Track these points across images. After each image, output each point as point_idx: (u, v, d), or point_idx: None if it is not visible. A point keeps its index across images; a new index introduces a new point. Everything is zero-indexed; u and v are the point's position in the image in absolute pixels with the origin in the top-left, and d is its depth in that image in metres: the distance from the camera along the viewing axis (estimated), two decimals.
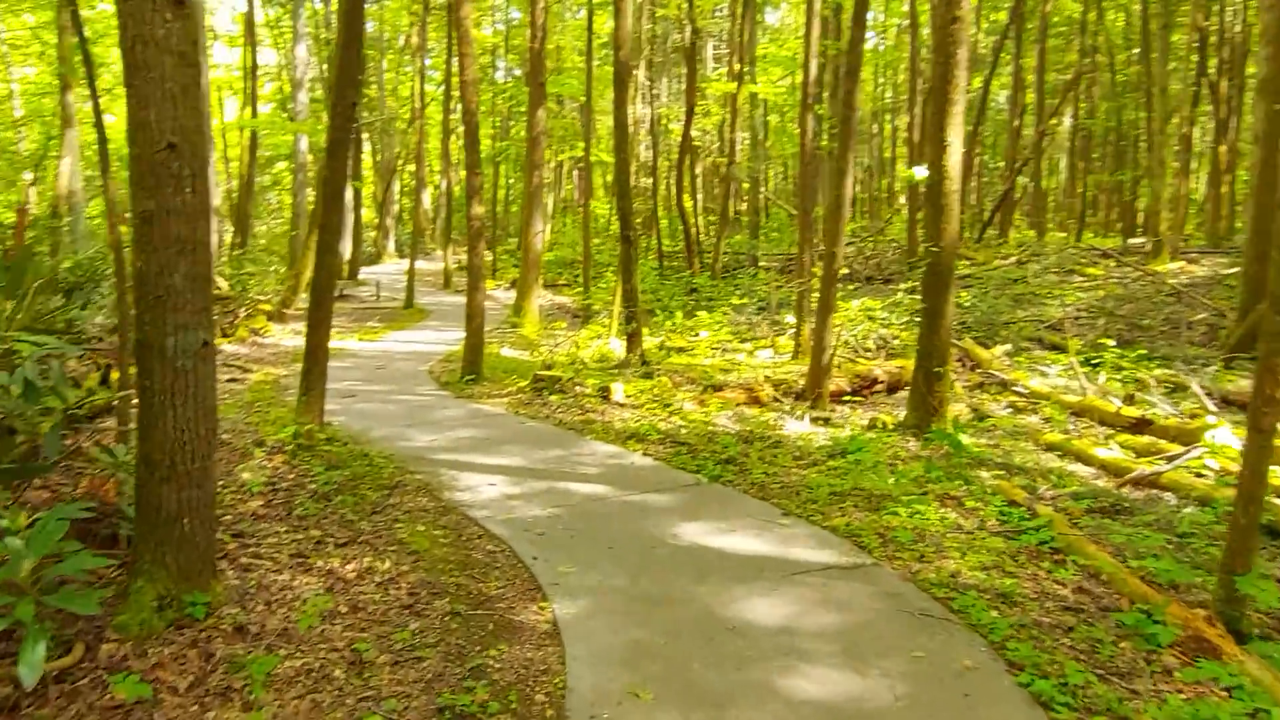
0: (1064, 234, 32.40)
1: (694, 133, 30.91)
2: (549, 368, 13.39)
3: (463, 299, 27.57)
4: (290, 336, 17.17)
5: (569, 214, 44.53)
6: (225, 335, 15.38)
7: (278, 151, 32.80)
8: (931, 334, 9.35)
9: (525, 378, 12.79)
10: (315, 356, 7.88)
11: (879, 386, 13.06)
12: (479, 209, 11.48)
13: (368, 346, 16.40)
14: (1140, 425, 10.07)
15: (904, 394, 13.32)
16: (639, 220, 41.72)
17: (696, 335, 18.01)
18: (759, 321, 20.05)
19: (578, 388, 10.98)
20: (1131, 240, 28.24)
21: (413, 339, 17.66)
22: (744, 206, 36.99)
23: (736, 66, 27.31)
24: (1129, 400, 11.19)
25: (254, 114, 23.00)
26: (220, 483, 7.14)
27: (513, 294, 27.10)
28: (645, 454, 8.45)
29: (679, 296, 21.92)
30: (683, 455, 8.32)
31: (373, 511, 6.55)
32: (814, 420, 10.78)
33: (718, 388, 11.88)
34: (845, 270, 20.63)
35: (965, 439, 8.64)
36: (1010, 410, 11.90)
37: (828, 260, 11.26)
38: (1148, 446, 9.34)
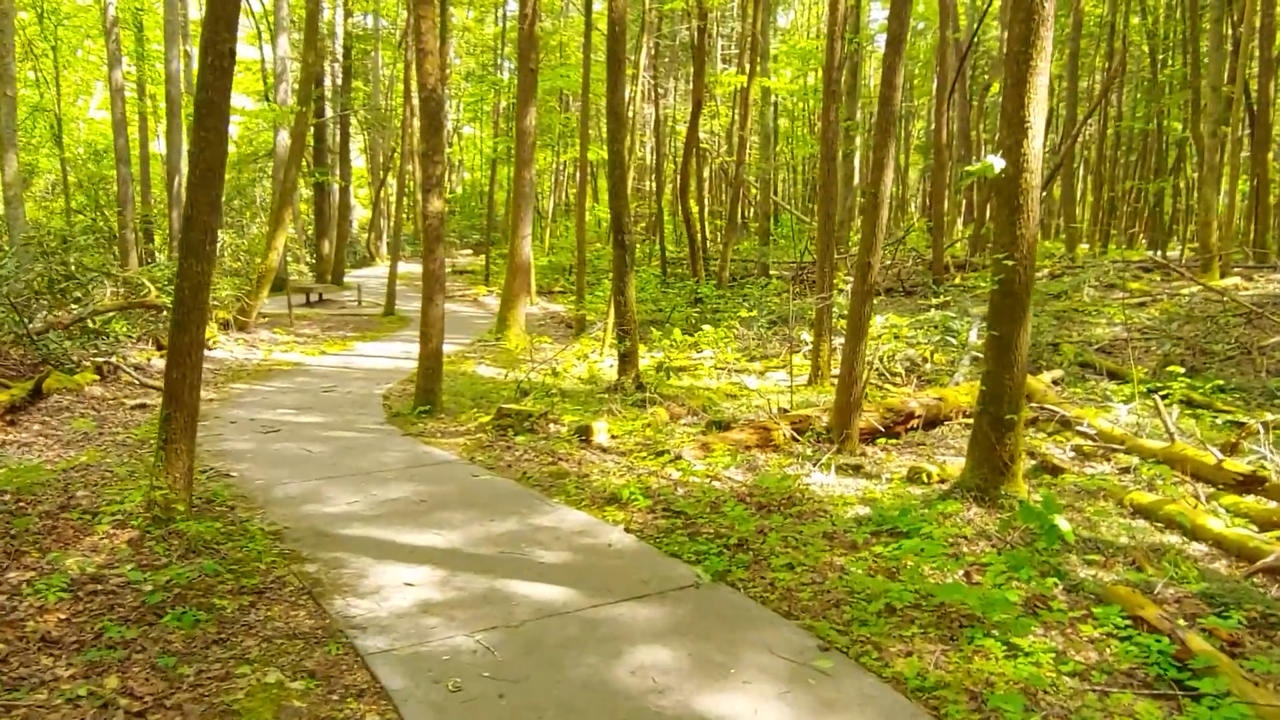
0: (1084, 246, 30.15)
1: (701, 135, 28.74)
2: (524, 394, 11.17)
3: (451, 306, 25.43)
4: (243, 348, 14.99)
5: (571, 217, 42.37)
6: (161, 346, 13.20)
7: (258, 147, 30.69)
8: (1002, 370, 7.11)
9: (494, 405, 10.57)
10: (178, 398, 5.68)
11: (914, 422, 10.81)
12: (438, 204, 9.29)
13: (327, 362, 14.22)
14: (1250, 483, 7.84)
15: (942, 431, 11.15)
16: (641, 225, 39.55)
17: (700, 353, 15.79)
18: (769, 337, 17.82)
19: (552, 425, 8.77)
20: (1164, 254, 26.01)
21: (383, 352, 15.47)
22: (751, 211, 34.79)
23: (747, 63, 25.13)
24: (1231, 449, 8.94)
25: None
26: (29, 575, 4.96)
27: None
28: (628, 528, 6.23)
29: (682, 308, 19.72)
30: (678, 533, 6.08)
31: (215, 640, 4.34)
32: (843, 469, 8.58)
33: (724, 426, 9.65)
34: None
35: (1034, 501, 6.41)
36: (1075, 455, 9.70)
37: (861, 272, 9.05)
38: (1267, 515, 7.12)
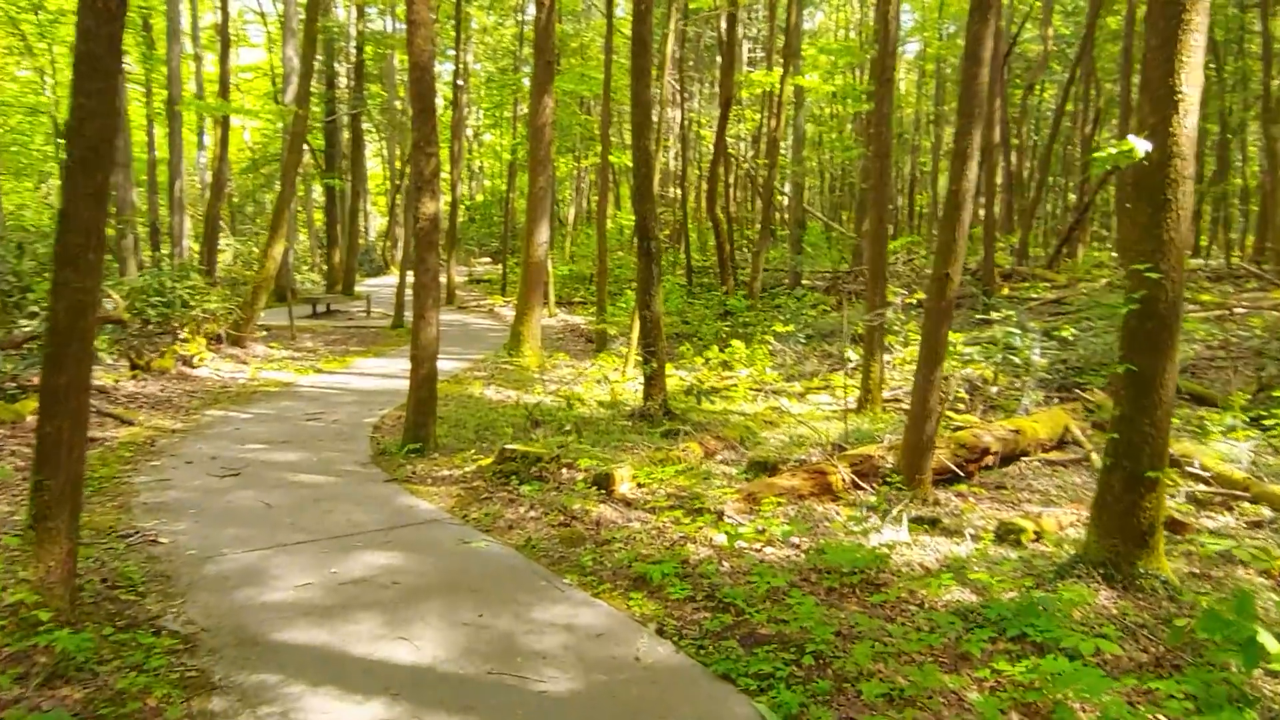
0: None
1: (727, 138, 27.12)
2: (535, 424, 9.58)
3: (464, 318, 23.97)
4: (231, 365, 13.51)
5: (592, 225, 40.86)
6: (135, 365, 11.73)
7: (271, 151, 29.38)
8: (1140, 414, 5.42)
9: (499, 438, 8.99)
10: (51, 460, 4.15)
11: (989, 459, 9.14)
12: (431, 205, 7.73)
13: (320, 382, 12.69)
14: None
15: (1019, 468, 9.48)
16: (665, 233, 37.91)
17: (733, 372, 14.16)
18: (807, 354, 16.15)
19: (565, 471, 7.16)
20: (1229, 262, 24.04)
21: (384, 369, 13.95)
22: (778, 218, 33.13)
23: (779, 61, 23.50)
24: None
25: (225, 94, 19.45)
26: None
27: None
28: (662, 628, 4.62)
29: (710, 321, 18.08)
30: (729, 639, 4.46)
31: None
32: (917, 523, 6.94)
33: (770, 468, 8.01)
34: (918, 297, 16.68)
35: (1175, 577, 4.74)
36: (1188, 499, 8.04)
37: (938, 286, 7.40)
38: None
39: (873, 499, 7.52)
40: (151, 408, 10.22)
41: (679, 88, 33.29)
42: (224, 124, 18.99)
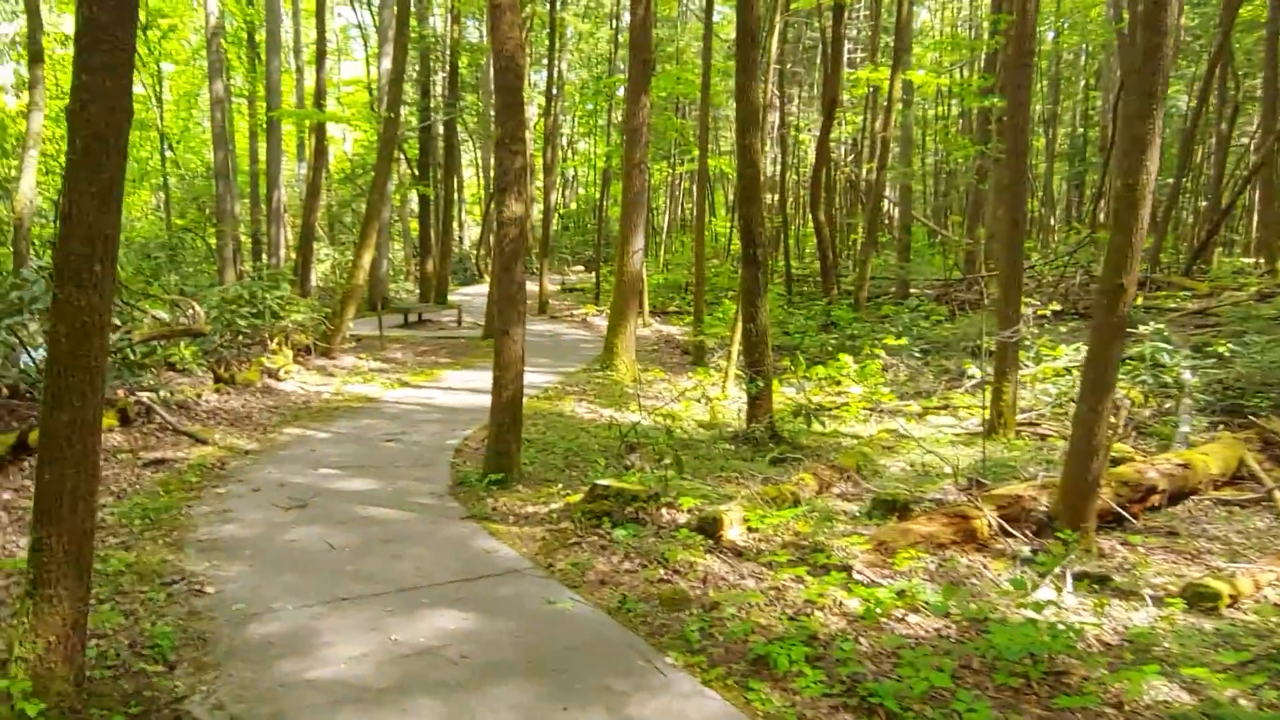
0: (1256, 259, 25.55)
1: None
2: (630, 450, 8.65)
3: (556, 327, 23.28)
4: (317, 378, 13.04)
5: (686, 232, 39.93)
6: (219, 379, 11.31)
7: (369, 161, 29.40)
8: None
9: (590, 466, 8.09)
10: (51, 514, 3.40)
11: (1155, 498, 7.78)
12: (516, 208, 6.89)
13: (405, 396, 12.07)
14: None
15: (1189, 507, 8.11)
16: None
17: (842, 389, 12.97)
18: (922, 370, 14.81)
19: (665, 511, 6.20)
20: None
21: (472, 383, 13.25)
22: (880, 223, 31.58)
23: (879, 57, 22.14)
24: None
25: (321, 104, 19.24)
26: None
27: None
28: None
29: (814, 333, 16.89)
30: None
31: None
32: (1082, 581, 5.75)
33: (900, 509, 6.88)
34: (1055, 307, 15.14)
35: None
36: None
37: (1109, 298, 6.16)
38: None
39: (1026, 550, 6.33)
40: (230, 424, 9.71)
41: (778, 90, 32.12)
42: (319, 133, 18.77)
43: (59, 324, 3.35)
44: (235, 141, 28.92)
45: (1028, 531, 6.65)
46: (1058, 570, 5.86)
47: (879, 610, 4.82)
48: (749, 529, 6.01)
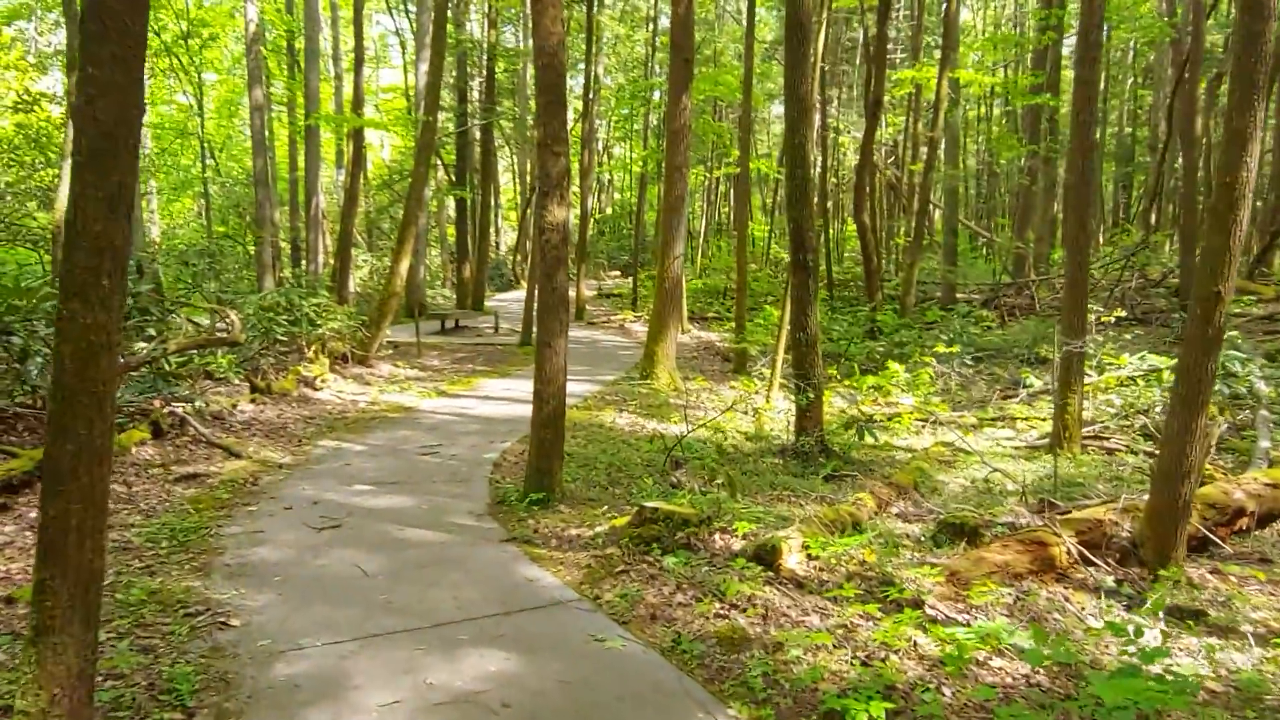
0: None
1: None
2: (676, 466, 8.24)
3: (594, 334, 22.89)
4: (354, 387, 12.79)
5: (723, 237, 39.44)
6: (255, 388, 11.08)
7: (407, 168, 29.30)
8: None
9: (634, 482, 7.69)
10: (58, 554, 3.08)
11: (1243, 522, 7.21)
12: (559, 212, 6.51)
13: (442, 406, 11.76)
14: None
15: (1275, 533, 7.54)
16: None
17: (889, 398, 12.44)
18: (974, 379, 14.22)
19: (718, 536, 5.77)
20: None
21: (510, 392, 12.95)
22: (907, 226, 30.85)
23: (925, 59, 21.54)
24: None
25: (358, 110, 19.09)
26: None
27: None
28: None
29: (859, 340, 16.35)
30: None
31: None
32: (1175, 616, 5.26)
33: (969, 533, 6.39)
34: (1119, 314, 14.48)
35: None
36: None
37: (1206, 306, 5.62)
38: None
39: (1110, 580, 5.81)
40: (265, 436, 9.44)
41: (819, 92, 31.54)
42: (356, 139, 18.61)
43: (63, 344, 3.01)
44: (275, 149, 29.01)
45: (1110, 560, 6.13)
46: (1150, 605, 5.35)
47: (955, 648, 4.35)
48: (809, 557, 5.56)
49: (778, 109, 42.34)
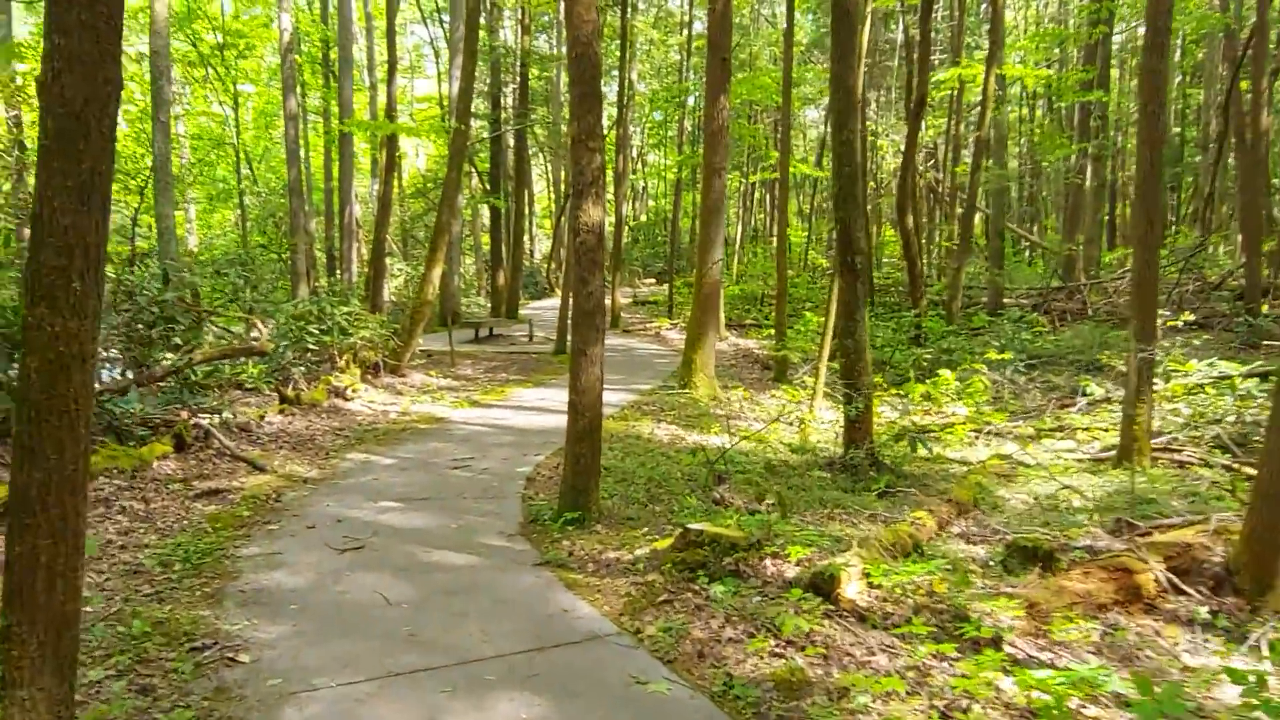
0: None
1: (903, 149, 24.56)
2: (719, 481, 7.75)
3: (629, 342, 22.42)
4: (386, 396, 12.46)
5: (759, 243, 38.85)
6: (285, 399, 10.77)
7: (441, 175, 29.13)
8: None
9: (674, 499, 7.22)
10: (27, 597, 2.67)
11: None
12: (594, 213, 6.07)
13: (474, 417, 11.37)
14: None
15: None
16: None
17: (938, 407, 11.83)
18: (1027, 387, 13.56)
19: (768, 564, 5.26)
20: None
21: (544, 402, 12.54)
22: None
23: (965, 58, 20.87)
24: None
25: (392, 117, 18.88)
26: None
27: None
28: None
29: (904, 346, 15.73)
30: None
31: None
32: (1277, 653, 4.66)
33: (1043, 557, 5.83)
34: (1187, 318, 13.75)
35: None
36: None
37: None
38: None
39: (1204, 612, 5.22)
40: (292, 448, 9.10)
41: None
42: (389, 146, 18.39)
43: (29, 355, 2.61)
44: (311, 159, 29.02)
45: (1202, 588, 5.53)
46: (1255, 639, 4.78)
47: (1043, 692, 3.81)
48: (870, 585, 5.04)
49: (812, 113, 41.71)
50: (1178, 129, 35.54)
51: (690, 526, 5.33)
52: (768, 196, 41.45)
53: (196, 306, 13.70)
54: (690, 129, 34.59)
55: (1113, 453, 9.60)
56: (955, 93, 24.34)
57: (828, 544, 5.60)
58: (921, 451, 9.21)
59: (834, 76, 8.78)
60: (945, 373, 12.77)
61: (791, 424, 10.77)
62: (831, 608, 4.75)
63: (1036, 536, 6.04)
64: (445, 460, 8.73)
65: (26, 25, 19.63)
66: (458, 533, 6.32)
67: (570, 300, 18.46)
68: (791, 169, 20.75)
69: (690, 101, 35.20)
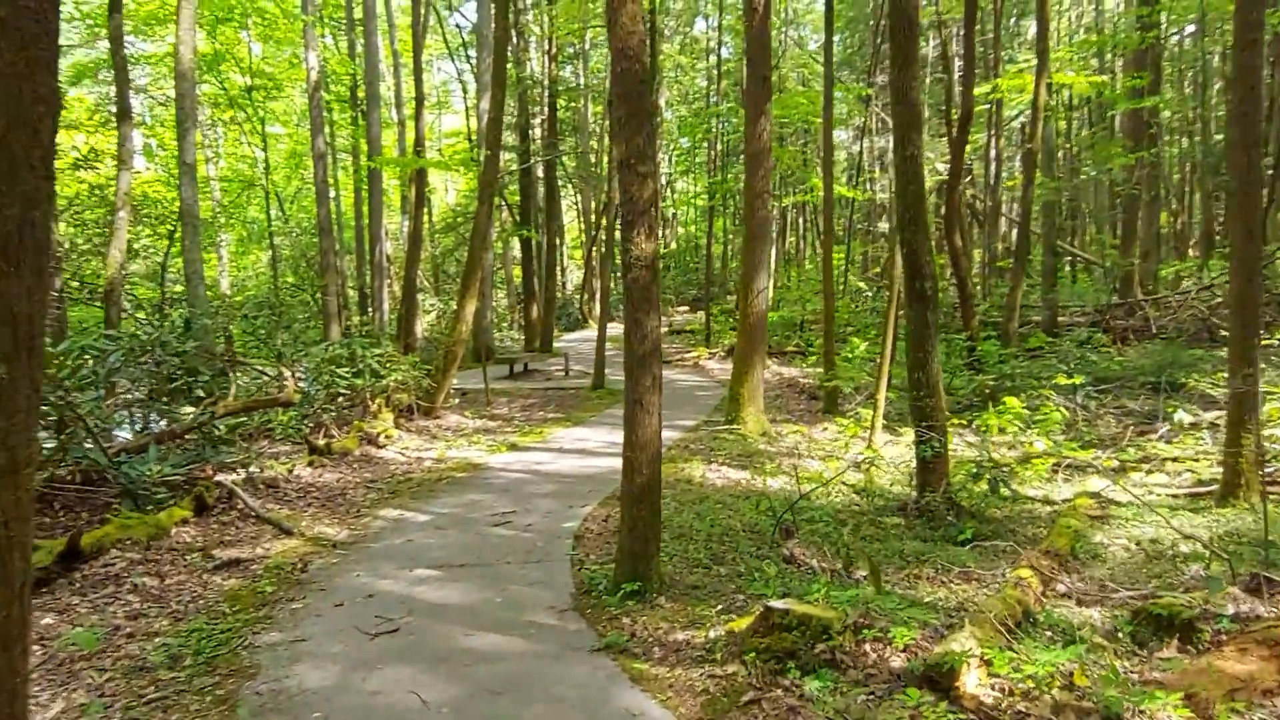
0: None
1: (941, 164, 23.75)
2: (787, 535, 6.97)
3: (668, 373, 21.51)
4: (419, 443, 11.82)
5: (793, 268, 38.05)
6: (314, 450, 10.16)
7: (471, 210, 28.76)
8: None
9: (740, 558, 6.45)
10: None
11: None
12: (646, 245, 5.36)
13: (514, 462, 10.68)
14: None
15: None
16: (875, 270, 34.48)
17: (1019, 440, 10.93)
18: (1099, 413, 12.62)
19: (868, 649, 4.47)
20: None
21: (585, 442, 11.82)
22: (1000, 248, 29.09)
23: (1009, 68, 20.10)
24: None
25: (420, 152, 18.43)
26: None
27: (728, 365, 20.97)
28: None
29: (960, 371, 14.84)
30: None
31: None
32: None
33: (1183, 627, 4.97)
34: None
35: None
36: None
37: None
38: None
39: None
40: (321, 505, 8.46)
41: (878, 115, 30.17)
42: (418, 181, 17.94)
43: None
44: (342, 198, 28.79)
45: None
46: None
47: None
48: (989, 674, 4.23)
49: (841, 134, 40.91)
50: (1219, 136, 34.34)
51: (773, 605, 4.56)
52: (800, 219, 40.73)
53: (229, 353, 13.23)
54: (719, 153, 34.06)
55: (1214, 487, 8.68)
56: (993, 106, 23.55)
57: (935, 620, 4.79)
58: (1004, 493, 8.36)
59: (894, 89, 8.05)
60: (1012, 400, 11.87)
61: (860, 467, 9.94)
62: (952, 706, 3.94)
63: (1171, 602, 5.19)
64: (485, 515, 8.02)
65: None
66: (502, 608, 5.59)
67: (610, 329, 17.80)
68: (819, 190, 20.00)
69: (718, 126, 34.72)
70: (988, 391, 13.15)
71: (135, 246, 17.35)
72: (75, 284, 15.34)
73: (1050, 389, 12.36)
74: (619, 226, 6.16)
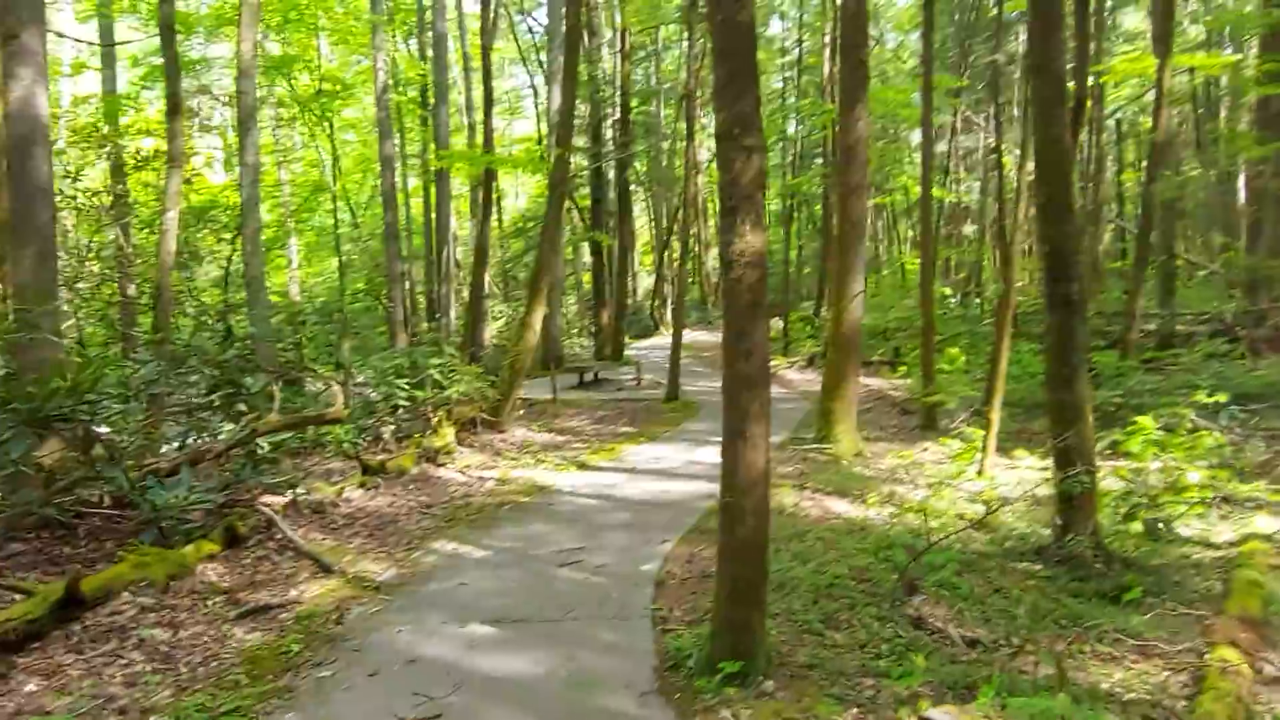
0: None
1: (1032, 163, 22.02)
2: (911, 591, 5.72)
3: None
4: (481, 461, 10.86)
5: (870, 273, 36.34)
6: (367, 469, 9.26)
7: (541, 214, 27.97)
8: None
9: (860, 615, 5.24)
10: None
11: None
12: (753, 239, 4.21)
13: (582, 483, 9.61)
14: None
15: None
16: (962, 275, 32.58)
17: (1168, 468, 9.42)
18: (1246, 436, 10.97)
19: None
20: None
21: (660, 462, 10.70)
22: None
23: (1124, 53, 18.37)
24: None
25: (488, 147, 17.53)
26: None
27: (809, 375, 19.62)
28: None
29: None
30: None
31: None
32: None
33: None
34: None
35: None
36: None
37: None
38: None
39: None
40: (369, 534, 7.51)
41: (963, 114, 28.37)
42: (486, 182, 17.11)
43: None
44: (412, 204, 28.30)
45: None
46: None
47: None
48: None
49: (914, 136, 38.94)
50: None
51: (932, 717, 3.35)
52: (879, 222, 39.01)
53: (294, 363, 12.52)
54: (796, 155, 32.76)
55: None
56: (1093, 98, 21.72)
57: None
58: (1167, 537, 6.95)
59: (1034, 60, 6.76)
60: (1145, 420, 10.32)
61: (987, 501, 8.57)
62: None
63: None
64: (550, 552, 6.95)
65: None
66: (569, 685, 4.49)
67: (676, 338, 16.66)
68: (903, 192, 18.57)
69: (795, 129, 33.33)
70: (1112, 410, 11.59)
71: (201, 251, 16.90)
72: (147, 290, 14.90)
73: (1188, 407, 10.76)
74: (706, 221, 5.07)
